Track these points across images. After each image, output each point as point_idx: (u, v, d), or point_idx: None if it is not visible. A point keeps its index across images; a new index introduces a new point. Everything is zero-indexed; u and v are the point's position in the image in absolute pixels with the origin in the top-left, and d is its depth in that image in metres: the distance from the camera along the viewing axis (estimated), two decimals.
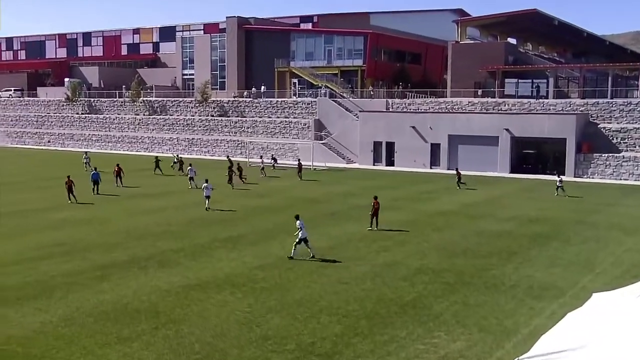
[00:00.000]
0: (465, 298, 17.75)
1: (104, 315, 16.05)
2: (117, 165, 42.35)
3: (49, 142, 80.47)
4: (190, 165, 42.89)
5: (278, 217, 30.30)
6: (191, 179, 40.77)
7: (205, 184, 32.95)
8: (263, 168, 48.63)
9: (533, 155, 52.69)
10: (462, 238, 26.02)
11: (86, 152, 55.81)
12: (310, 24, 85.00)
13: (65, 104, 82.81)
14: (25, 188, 41.06)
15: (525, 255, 23.16)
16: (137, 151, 72.20)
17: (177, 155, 52.01)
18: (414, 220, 29.92)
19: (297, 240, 21.97)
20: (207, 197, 32.56)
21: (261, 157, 52.76)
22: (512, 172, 51.03)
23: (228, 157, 51.96)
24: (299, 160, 49.73)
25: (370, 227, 27.03)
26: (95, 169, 38.83)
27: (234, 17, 79.22)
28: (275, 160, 54.30)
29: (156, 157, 51.85)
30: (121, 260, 21.91)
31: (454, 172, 43.72)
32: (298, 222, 22.08)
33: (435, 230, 27.70)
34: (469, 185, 42.04)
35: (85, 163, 50.62)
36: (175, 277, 19.73)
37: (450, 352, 13.94)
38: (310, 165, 52.70)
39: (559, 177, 39.85)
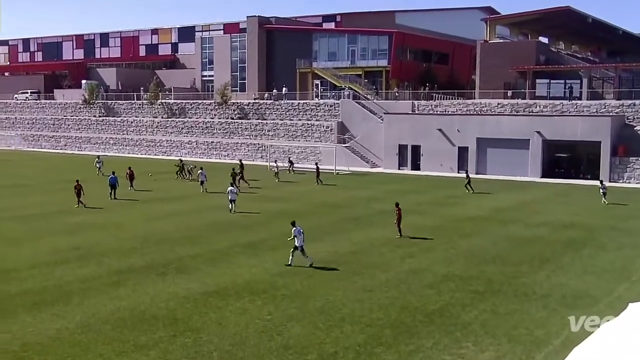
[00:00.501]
0: (494, 307, 17.13)
1: (121, 322, 15.79)
2: (129, 168, 42.41)
3: (65, 145, 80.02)
4: (201, 168, 42.28)
5: (299, 222, 29.62)
6: (202, 182, 40.39)
7: (231, 188, 32.87)
8: (277, 173, 47.66)
9: (566, 159, 51.13)
10: (492, 244, 25.28)
11: (98, 156, 55.09)
12: (333, 23, 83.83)
13: (82, 106, 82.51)
14: (39, 191, 41.19)
15: (558, 262, 22.37)
16: (155, 155, 71.74)
17: (181, 160, 51.26)
18: (441, 226, 29.24)
19: (296, 247, 21.17)
20: (232, 200, 32.32)
21: (275, 160, 51.54)
22: (543, 176, 49.56)
23: (240, 160, 51.16)
24: (316, 164, 48.79)
25: (399, 235, 26.36)
26: (113, 172, 38.64)
27: (255, 16, 78.38)
28: (291, 163, 53.41)
29: (181, 160, 51.63)
30: (138, 265, 21.63)
31: (465, 175, 42.80)
32: (294, 229, 21.35)
33: (463, 236, 26.97)
34: (486, 190, 41.27)
35: (98, 168, 50.34)
36: (193, 283, 19.38)
37: None
38: (332, 169, 52.02)
39: (602, 183, 37.78)
